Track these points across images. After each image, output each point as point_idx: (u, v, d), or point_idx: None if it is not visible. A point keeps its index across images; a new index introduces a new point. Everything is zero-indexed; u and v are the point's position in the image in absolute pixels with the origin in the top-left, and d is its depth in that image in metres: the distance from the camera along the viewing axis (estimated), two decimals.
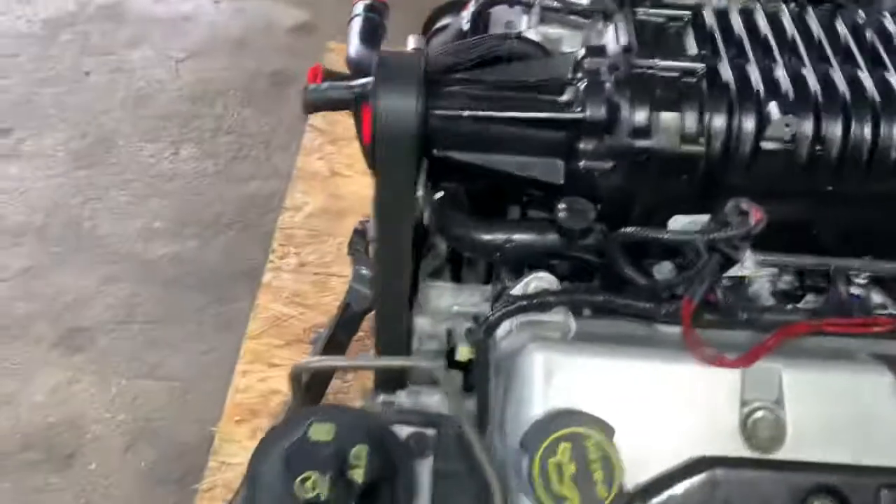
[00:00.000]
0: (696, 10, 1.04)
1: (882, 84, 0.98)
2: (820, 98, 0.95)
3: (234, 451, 1.91)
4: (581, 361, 0.87)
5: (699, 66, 0.94)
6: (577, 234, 0.94)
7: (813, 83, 0.97)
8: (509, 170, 1.00)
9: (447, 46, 1.19)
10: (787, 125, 0.91)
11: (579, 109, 0.95)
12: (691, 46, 1.00)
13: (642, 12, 1.03)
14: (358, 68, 1.28)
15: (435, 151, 1.00)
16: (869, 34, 1.06)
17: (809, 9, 1.08)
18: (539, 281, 0.96)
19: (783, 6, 1.08)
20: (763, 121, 0.93)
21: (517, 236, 0.99)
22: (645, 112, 0.93)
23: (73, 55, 3.30)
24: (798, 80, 0.97)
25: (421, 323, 1.09)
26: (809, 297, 1.01)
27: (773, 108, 0.92)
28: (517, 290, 0.97)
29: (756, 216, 0.86)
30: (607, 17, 1.04)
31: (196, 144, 2.98)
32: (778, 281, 1.02)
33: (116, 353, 2.38)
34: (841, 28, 1.06)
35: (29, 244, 2.68)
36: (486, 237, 1.00)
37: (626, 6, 1.02)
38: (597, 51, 1.00)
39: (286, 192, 2.59)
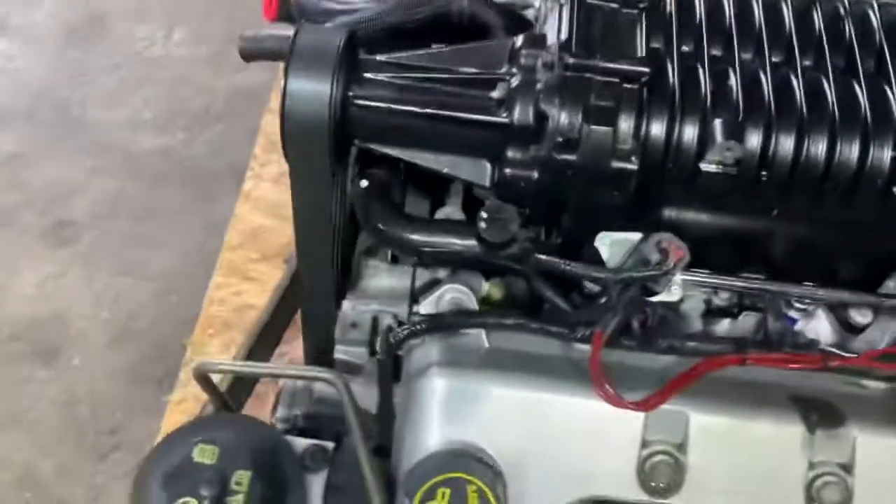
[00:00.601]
0: None
1: (846, 95, 0.87)
2: (773, 111, 0.86)
3: None
4: (484, 391, 0.84)
5: (643, 69, 0.84)
6: (497, 246, 0.89)
7: (768, 92, 0.87)
8: (434, 167, 0.93)
9: (391, 3, 1.09)
10: (728, 150, 0.82)
11: (505, 114, 0.87)
12: (642, 40, 0.89)
13: None
14: (303, 12, 1.19)
15: (356, 142, 0.93)
16: (847, 29, 0.94)
17: None
18: (455, 293, 0.91)
19: None
20: (705, 140, 0.84)
21: (437, 239, 0.93)
22: (574, 123, 0.84)
23: None
24: (753, 89, 0.87)
25: (345, 308, 1.05)
26: (746, 317, 0.96)
27: (717, 128, 0.83)
28: (431, 300, 0.92)
29: (676, 255, 0.80)
30: None
31: (189, 27, 2.87)
32: (714, 297, 0.96)
33: (102, 249, 2.40)
34: (816, 19, 0.94)
35: (17, 128, 2.65)
36: (407, 236, 0.94)
37: None
38: (535, 40, 0.90)
39: (272, 89, 2.50)
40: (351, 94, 0.90)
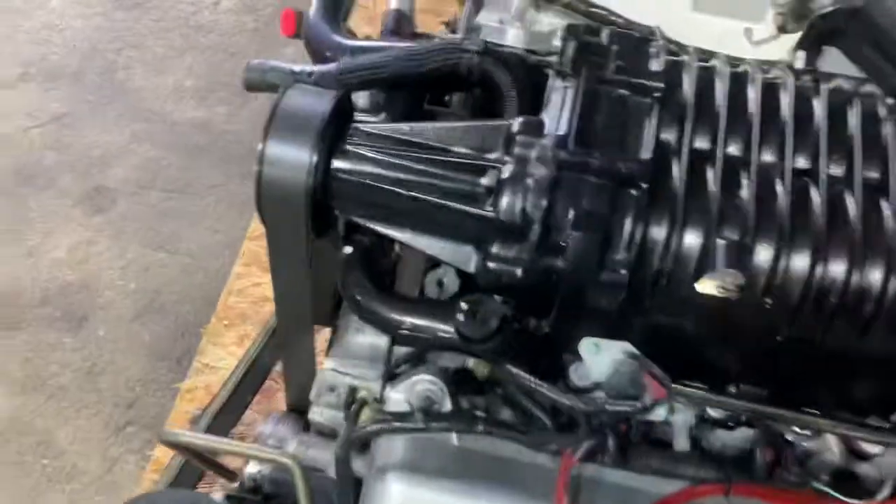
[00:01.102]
0: (672, 82, 0.83)
1: (871, 214, 0.78)
2: (788, 230, 0.77)
3: (220, 355, 1.96)
4: (440, 501, 0.80)
5: (643, 174, 0.77)
6: (476, 342, 0.83)
7: (784, 207, 0.78)
8: (417, 247, 0.88)
9: (400, 49, 1.02)
10: (730, 277, 0.75)
11: (491, 207, 0.80)
12: (652, 133, 0.81)
13: (603, 78, 0.82)
14: (311, 44, 1.13)
15: (336, 212, 0.88)
16: (888, 133, 0.83)
17: (823, 88, 0.85)
18: (427, 385, 0.86)
19: (789, 78, 0.85)
20: (706, 257, 0.77)
21: (416, 321, 0.88)
22: (561, 227, 0.77)
23: None
24: (768, 201, 0.78)
25: (326, 366, 1.01)
26: (741, 431, 0.89)
27: (720, 251, 0.75)
28: (403, 386, 0.88)
29: (656, 394, 0.73)
30: (560, 74, 0.85)
31: None
32: (710, 409, 0.89)
33: (134, 219, 2.42)
34: (853, 120, 0.84)
35: (64, 89, 2.67)
36: (384, 313, 0.89)
37: (582, 71, 0.81)
38: (533, 127, 0.82)
39: None
40: (333, 165, 0.85)
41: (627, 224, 0.77)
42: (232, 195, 2.44)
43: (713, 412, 0.90)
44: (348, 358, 1.03)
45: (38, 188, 2.47)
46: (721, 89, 0.84)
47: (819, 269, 0.77)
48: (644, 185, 0.77)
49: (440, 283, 0.98)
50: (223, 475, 1.15)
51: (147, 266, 2.35)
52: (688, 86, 0.83)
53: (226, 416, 1.68)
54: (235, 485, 1.08)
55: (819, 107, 0.84)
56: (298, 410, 1.11)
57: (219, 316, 1.99)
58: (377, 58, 1.02)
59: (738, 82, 0.84)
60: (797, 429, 0.86)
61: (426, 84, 1.01)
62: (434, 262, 0.98)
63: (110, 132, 2.57)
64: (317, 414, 1.01)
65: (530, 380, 0.78)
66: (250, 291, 2.03)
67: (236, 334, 1.97)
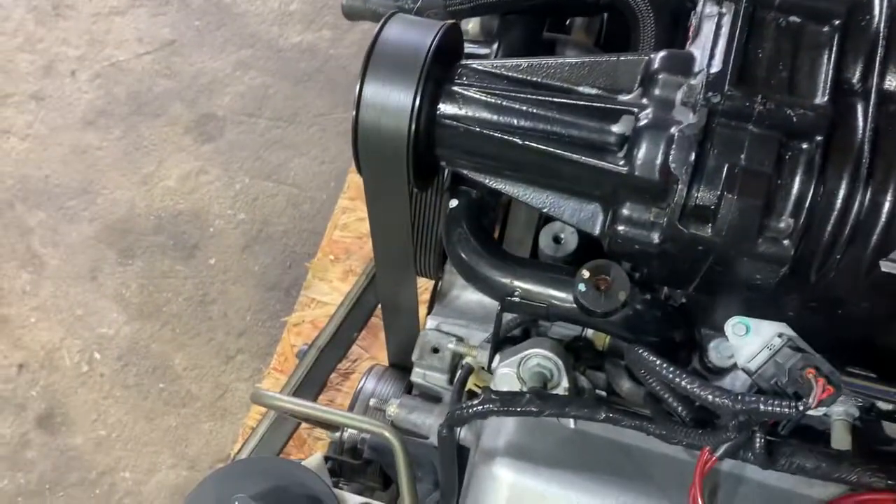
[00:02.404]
0: (857, 3, 0.66)
1: None
2: None
3: (325, 290, 1.92)
4: (551, 494, 0.71)
5: (818, 122, 0.61)
6: (599, 314, 0.72)
7: None
8: (533, 204, 0.76)
9: None
10: None
11: (623, 161, 0.67)
12: (830, 70, 0.65)
13: (769, 1, 0.66)
14: None
15: (444, 164, 0.77)
16: None
17: None
18: (541, 360, 0.76)
19: None
20: (893, 235, 0.61)
21: (530, 286, 0.77)
22: (711, 188, 0.63)
23: None
24: None
25: (428, 326, 0.93)
26: None
27: None
28: (513, 360, 0.78)
29: (823, 392, 0.60)
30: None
31: None
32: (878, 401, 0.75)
33: (243, 148, 2.40)
34: None
35: (172, 14, 2.64)
36: (493, 276, 0.79)
37: None
38: (679, 63, 0.68)
39: None
40: (438, 110, 0.73)
41: (796, 185, 0.63)
42: (338, 124, 2.38)
43: (881, 404, 0.75)
44: (453, 317, 0.94)
45: (151, 116, 2.47)
46: None
47: None
48: (819, 138, 0.62)
49: (557, 239, 0.87)
50: (322, 426, 1.11)
51: (255, 196, 2.33)
52: (878, 10, 0.66)
53: (332, 351, 1.66)
54: (337, 435, 1.03)
55: None
56: (401, 366, 1.03)
57: (324, 250, 1.94)
58: None
59: None
60: None
61: (545, 7, 0.87)
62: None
63: (217, 59, 2.54)
64: (419, 376, 0.94)
65: (668, 369, 0.66)
66: (355, 226, 1.97)
67: (342, 269, 1.92)
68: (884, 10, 0.66)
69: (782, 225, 0.63)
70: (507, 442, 0.74)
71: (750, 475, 0.72)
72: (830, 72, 0.65)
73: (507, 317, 0.86)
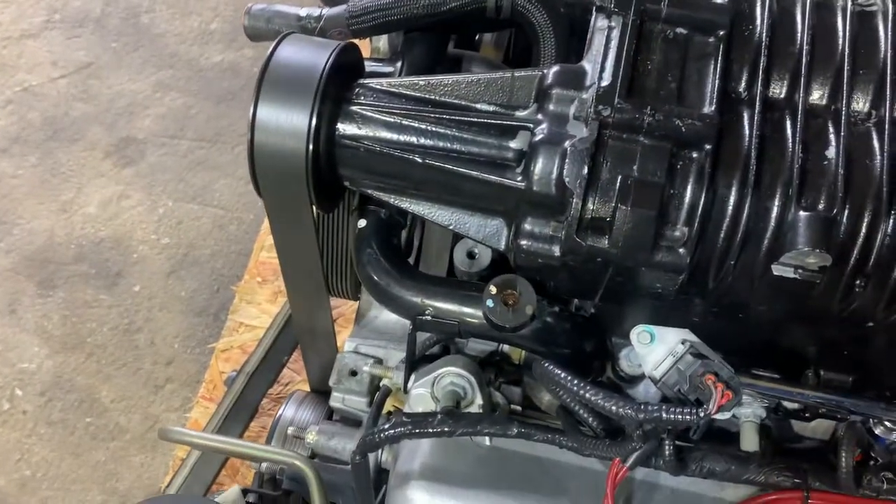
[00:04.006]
0: (740, 15, 0.67)
1: None
2: (884, 201, 0.63)
3: (254, 313, 1.89)
4: None
5: (707, 132, 0.63)
6: (508, 329, 0.72)
7: (881, 168, 0.63)
8: (438, 221, 0.75)
9: None
10: (812, 258, 0.61)
11: (521, 177, 0.67)
12: (717, 80, 0.66)
13: (656, 15, 0.67)
14: None
15: (346, 184, 0.76)
16: None
17: None
18: (454, 379, 0.76)
19: (888, 4, 0.68)
20: (782, 233, 0.63)
21: (441, 304, 0.77)
22: (605, 200, 0.64)
23: None
24: (859, 161, 0.64)
25: (346, 348, 0.91)
26: (821, 423, 0.76)
27: (801, 226, 0.61)
28: (426, 380, 0.77)
29: (722, 398, 0.61)
30: (601, 9, 0.69)
31: None
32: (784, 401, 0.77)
33: (165, 171, 2.35)
34: None
35: (88, 36, 2.57)
36: (403, 295, 0.78)
37: (631, 5, 0.66)
38: (571, 78, 0.68)
39: None
40: (337, 130, 0.72)
41: (688, 194, 0.64)
42: None
43: (787, 404, 0.77)
44: (371, 338, 0.93)
45: (68, 141, 2.41)
46: (801, 22, 0.68)
47: None
48: (708, 146, 0.63)
49: (471, 255, 0.86)
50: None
51: (180, 219, 2.28)
52: (760, 19, 0.67)
53: (262, 376, 1.62)
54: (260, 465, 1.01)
55: None
56: (322, 392, 1.02)
57: (251, 273, 1.91)
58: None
59: (823, 12, 0.68)
60: (889, 423, 0.73)
61: (448, 24, 0.87)
62: None
63: (136, 80, 2.48)
64: (338, 401, 0.92)
65: (572, 381, 0.66)
66: None
67: (270, 291, 1.89)
68: (765, 20, 0.68)
69: (677, 234, 0.64)
70: (421, 464, 0.73)
71: (663, 482, 0.72)
72: (717, 81, 0.66)
73: (424, 335, 0.86)
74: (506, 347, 0.84)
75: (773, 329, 0.72)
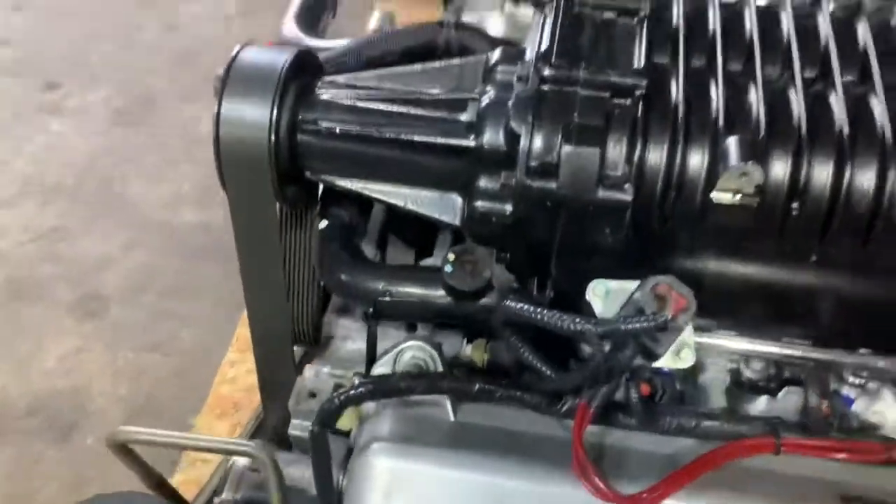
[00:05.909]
0: (661, 4, 0.77)
1: None
2: (804, 131, 0.69)
3: None
4: (434, 475, 0.67)
5: (637, 81, 0.69)
6: (468, 296, 0.73)
7: (799, 109, 0.70)
8: (395, 202, 0.79)
9: (374, 35, 0.98)
10: (745, 174, 0.65)
11: (473, 136, 0.72)
12: (641, 52, 0.74)
13: (584, 2, 0.76)
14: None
15: (308, 174, 0.80)
16: None
17: (825, 4, 0.79)
18: (416, 352, 0.75)
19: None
20: (716, 164, 0.68)
21: (398, 287, 0.78)
22: (551, 143, 0.69)
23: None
24: (778, 105, 0.70)
25: (305, 374, 0.90)
26: (788, 394, 0.76)
27: (731, 147, 0.66)
28: (387, 359, 0.76)
29: (676, 304, 0.62)
30: (538, 4, 0.79)
31: None
32: (745, 368, 0.77)
33: (128, 324, 2.33)
34: (862, 31, 0.77)
35: (60, 203, 2.66)
36: (363, 283, 0.79)
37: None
38: (513, 55, 0.76)
39: None
40: (300, 117, 0.77)
41: (625, 137, 0.69)
42: (231, 295, 2.36)
43: (750, 372, 0.77)
44: (332, 365, 0.92)
45: (31, 300, 2.41)
46: (714, 10, 0.78)
47: (846, 170, 0.68)
48: (639, 93, 0.69)
49: None
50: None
51: (141, 370, 2.24)
52: (677, 4, 0.77)
53: None
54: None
55: (822, 21, 0.78)
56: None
57: (210, 406, 1.86)
58: (352, 43, 0.97)
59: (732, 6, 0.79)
60: (853, 378, 0.73)
61: (404, 61, 0.96)
62: None
63: (105, 241, 2.54)
64: (297, 428, 0.89)
65: (530, 308, 0.67)
66: (243, 379, 1.91)
67: (229, 424, 1.83)
68: (681, 6, 0.78)
69: (619, 173, 0.68)
70: (384, 431, 0.70)
71: (635, 445, 0.70)
72: (643, 53, 0.74)
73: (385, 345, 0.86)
74: (469, 351, 0.84)
75: (729, 289, 0.73)
